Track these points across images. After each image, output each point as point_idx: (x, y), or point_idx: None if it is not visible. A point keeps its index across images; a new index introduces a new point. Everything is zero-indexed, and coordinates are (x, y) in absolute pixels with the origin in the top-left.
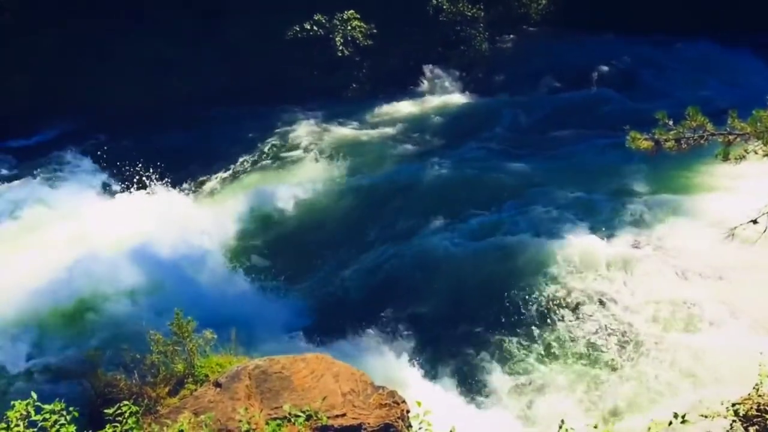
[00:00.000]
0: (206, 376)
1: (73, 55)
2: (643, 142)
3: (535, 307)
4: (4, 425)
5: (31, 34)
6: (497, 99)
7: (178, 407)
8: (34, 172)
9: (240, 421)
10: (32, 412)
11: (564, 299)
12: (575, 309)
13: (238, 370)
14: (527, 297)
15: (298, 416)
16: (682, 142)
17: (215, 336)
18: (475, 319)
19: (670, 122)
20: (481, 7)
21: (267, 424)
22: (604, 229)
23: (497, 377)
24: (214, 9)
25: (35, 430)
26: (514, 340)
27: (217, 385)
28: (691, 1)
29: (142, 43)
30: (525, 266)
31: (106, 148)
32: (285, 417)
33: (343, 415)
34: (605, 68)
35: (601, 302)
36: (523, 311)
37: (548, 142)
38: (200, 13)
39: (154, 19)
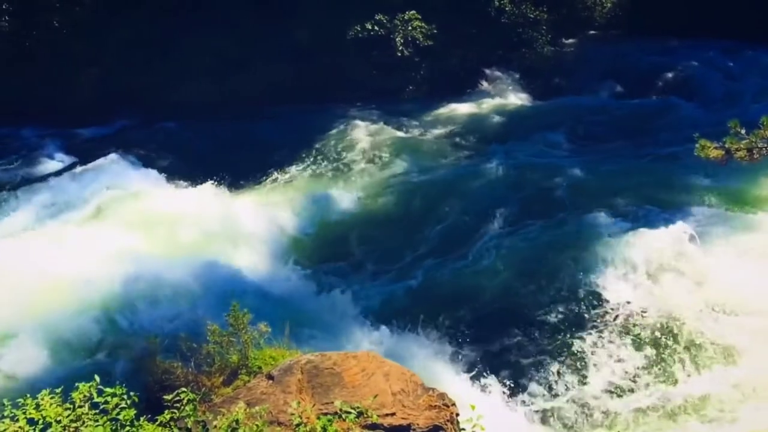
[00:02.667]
0: (259, 368)
1: (141, 50)
2: (713, 151)
3: (591, 314)
4: (69, 405)
5: (104, 28)
6: (558, 103)
7: (232, 397)
8: (101, 162)
9: (292, 414)
10: (95, 394)
11: (621, 308)
12: (632, 318)
13: (290, 364)
14: (583, 304)
15: (349, 413)
16: (755, 152)
17: (269, 329)
18: (530, 325)
19: (743, 131)
20: (545, 9)
21: (318, 418)
22: (665, 238)
23: (553, 389)
24: (278, 7)
25: (97, 411)
26: (572, 348)
27: (270, 377)
28: (761, 6)
29: (207, 40)
30: (581, 273)
31: (169, 141)
32: (336, 413)
33: (393, 414)
34: (670, 74)
35: (660, 311)
36: (580, 319)
37: (609, 149)
38: (264, 12)
39: (219, 17)
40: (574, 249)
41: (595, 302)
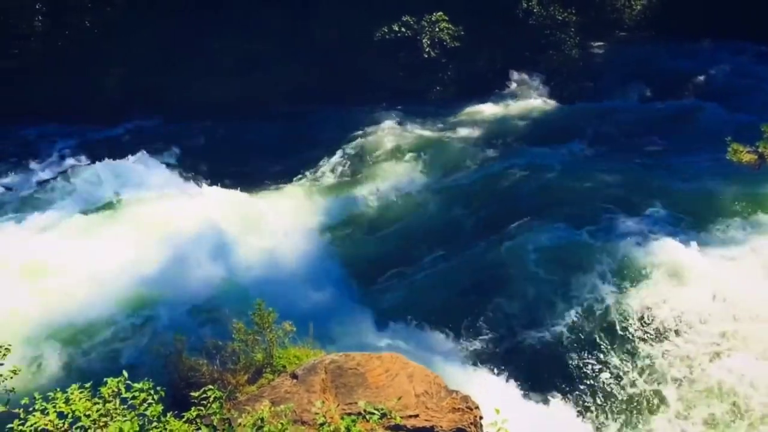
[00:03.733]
0: (284, 367)
1: (166, 50)
2: (746, 155)
3: (621, 318)
4: (98, 400)
5: (131, 29)
6: (585, 106)
7: (256, 395)
8: (126, 161)
9: (316, 413)
10: (123, 390)
11: (651, 312)
12: (666, 324)
13: (314, 364)
14: (612, 307)
15: (373, 413)
16: None
17: (294, 328)
18: (556, 328)
19: None
20: (573, 11)
21: (342, 418)
22: (693, 244)
23: (581, 393)
24: (302, 8)
25: (125, 406)
26: (604, 353)
27: (294, 376)
28: None
29: (233, 41)
30: (606, 277)
31: (192, 140)
32: (359, 413)
33: (416, 416)
34: (701, 78)
35: (690, 318)
36: (608, 322)
37: (638, 152)
38: (290, 13)
39: (245, 18)
40: (600, 253)
41: (619, 307)
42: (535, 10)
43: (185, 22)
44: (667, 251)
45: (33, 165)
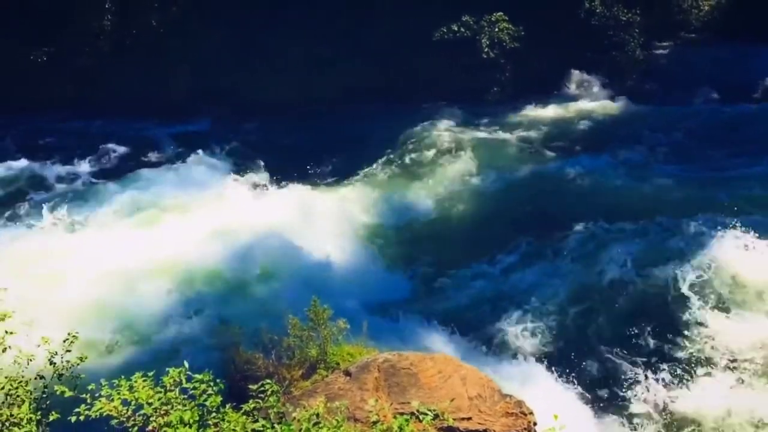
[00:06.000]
0: (337, 363)
1: (231, 49)
2: None
3: (679, 328)
4: (160, 389)
5: (197, 28)
6: (649, 108)
7: (310, 390)
8: (189, 158)
9: (369, 411)
10: (184, 380)
11: (711, 323)
12: (724, 336)
13: (368, 362)
14: (671, 316)
15: (426, 414)
16: None
17: (348, 326)
18: (616, 334)
19: None
20: (637, 11)
21: (394, 417)
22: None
23: (639, 402)
24: (362, 8)
25: (185, 396)
26: (664, 364)
27: (347, 374)
28: None
29: (292, 41)
30: (668, 288)
31: (253, 138)
32: (412, 413)
33: (469, 419)
34: None
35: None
36: (666, 331)
37: (702, 158)
38: (349, 13)
39: (305, 18)
40: (667, 262)
41: (679, 316)
42: (597, 11)
43: (247, 22)
44: (729, 262)
45: (98, 160)
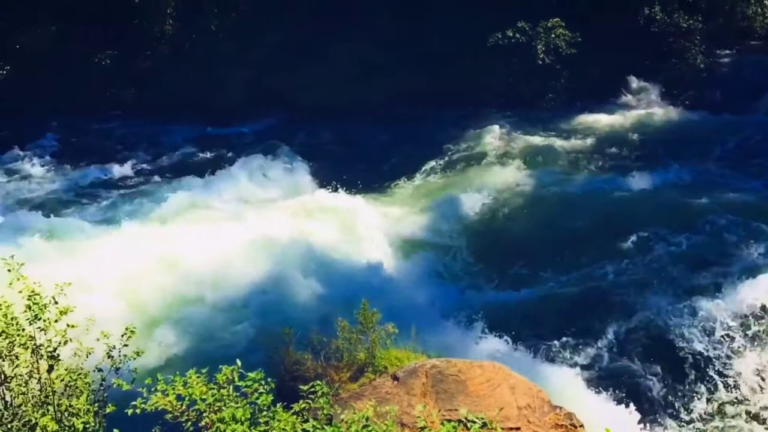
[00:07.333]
0: (385, 368)
1: (284, 55)
2: None
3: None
4: (213, 386)
5: (255, 32)
6: (710, 118)
7: (358, 393)
8: (248, 159)
9: (417, 417)
10: (236, 378)
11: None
12: None
13: (415, 367)
14: (730, 336)
15: (474, 422)
16: None
17: (396, 330)
18: (671, 351)
19: None
20: (699, 18)
21: (442, 424)
22: None
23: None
24: (418, 14)
25: (237, 394)
26: (722, 382)
27: (395, 378)
28: None
29: (348, 45)
30: (725, 310)
31: (305, 141)
32: (460, 420)
33: (518, 429)
34: None
35: None
36: (724, 347)
37: (766, 171)
38: (404, 18)
39: (360, 23)
40: (721, 277)
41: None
42: (658, 17)
43: (300, 28)
44: None
45: (154, 161)
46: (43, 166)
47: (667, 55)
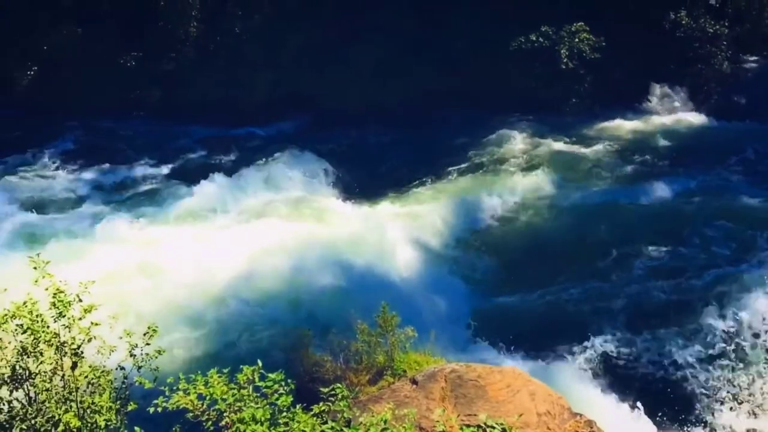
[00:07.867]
0: (404, 371)
1: (309, 58)
2: None
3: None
4: (234, 386)
5: (279, 35)
6: (735, 126)
7: (377, 396)
8: (271, 159)
9: (436, 421)
10: (256, 378)
11: None
12: None
13: (434, 371)
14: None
15: (493, 428)
16: None
17: (415, 334)
18: (691, 357)
19: None
20: (725, 23)
21: (461, 429)
22: None
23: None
24: (439, 17)
25: (258, 394)
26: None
27: (414, 382)
28: None
29: (371, 48)
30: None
31: (331, 144)
32: (479, 425)
33: None
34: None
35: None
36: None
37: None
38: (426, 21)
39: (382, 26)
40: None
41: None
42: (683, 22)
43: (326, 29)
44: None
45: (177, 161)
46: (65, 165)
47: (692, 61)
